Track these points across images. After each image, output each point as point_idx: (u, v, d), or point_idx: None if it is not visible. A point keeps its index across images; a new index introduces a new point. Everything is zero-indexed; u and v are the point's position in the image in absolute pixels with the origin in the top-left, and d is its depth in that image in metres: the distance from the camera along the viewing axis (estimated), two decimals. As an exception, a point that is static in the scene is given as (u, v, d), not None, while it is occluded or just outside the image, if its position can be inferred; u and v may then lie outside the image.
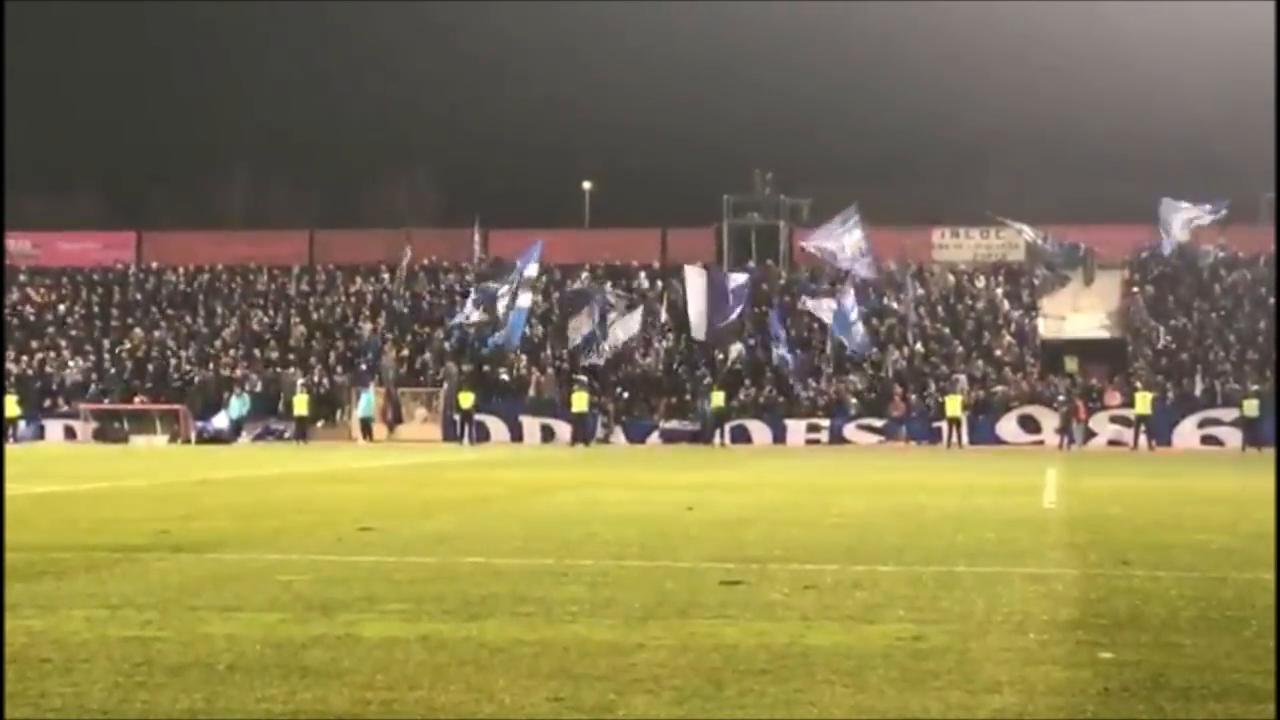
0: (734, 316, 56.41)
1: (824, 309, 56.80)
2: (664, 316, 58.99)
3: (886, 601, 10.35)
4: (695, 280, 56.99)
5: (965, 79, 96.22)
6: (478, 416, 54.31)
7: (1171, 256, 59.79)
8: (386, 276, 64.72)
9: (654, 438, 54.52)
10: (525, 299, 56.96)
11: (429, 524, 16.98)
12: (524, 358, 58.90)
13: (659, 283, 62.83)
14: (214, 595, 10.60)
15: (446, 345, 60.21)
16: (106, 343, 62.56)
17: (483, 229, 64.02)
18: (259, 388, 58.06)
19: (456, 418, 54.74)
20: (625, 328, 57.06)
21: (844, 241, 58.25)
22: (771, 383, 56.14)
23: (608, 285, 61.29)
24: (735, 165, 74.20)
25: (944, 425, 51.61)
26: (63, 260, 68.74)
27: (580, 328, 57.09)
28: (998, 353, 57.98)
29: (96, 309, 65.72)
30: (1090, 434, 52.15)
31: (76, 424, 56.66)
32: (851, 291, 56.72)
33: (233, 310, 64.94)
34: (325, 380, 58.89)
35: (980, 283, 62.52)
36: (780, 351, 56.09)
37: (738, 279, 57.97)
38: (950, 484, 26.27)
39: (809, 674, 7.64)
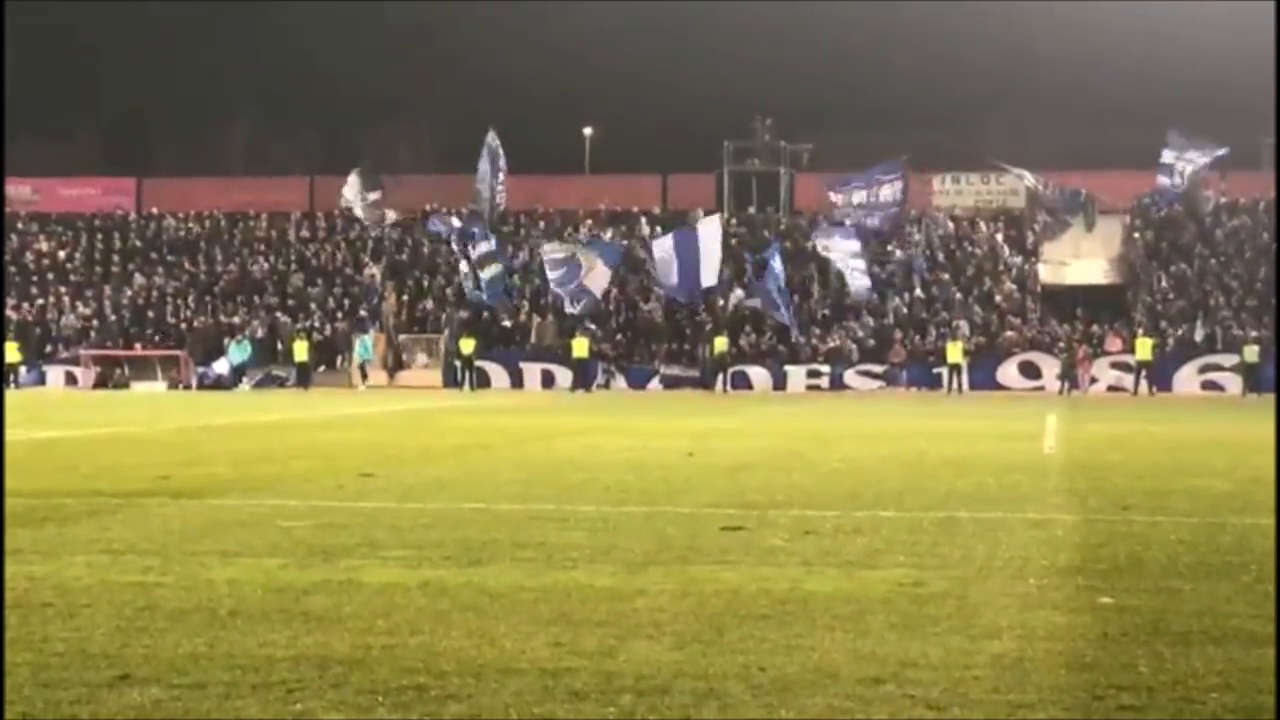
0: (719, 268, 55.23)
1: (834, 249, 55.65)
2: (656, 266, 58.70)
3: (886, 547, 10.37)
4: (708, 230, 55.69)
5: (967, 24, 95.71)
6: (478, 363, 54.31)
7: (1175, 201, 59.29)
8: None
9: (655, 384, 54.55)
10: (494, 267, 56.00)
11: (430, 470, 17.01)
12: (525, 304, 58.87)
13: (659, 229, 62.72)
14: (215, 541, 10.62)
15: (447, 291, 60.16)
16: (107, 289, 62.54)
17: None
18: (259, 334, 58.07)
19: (457, 364, 54.74)
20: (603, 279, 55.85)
21: (879, 193, 57.46)
22: (772, 329, 56.09)
23: (608, 233, 61.09)
24: (736, 111, 74.02)
25: (944, 371, 51.63)
26: (63, 206, 68.65)
27: (569, 275, 56.47)
28: (998, 299, 57.96)
29: (97, 255, 65.69)
30: (1092, 380, 52.18)
31: (77, 370, 56.69)
32: (857, 240, 56.04)
33: (233, 257, 64.89)
34: (325, 326, 58.91)
35: (981, 228, 62.45)
36: (778, 300, 55.77)
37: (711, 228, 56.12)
38: (950, 430, 26.29)
39: (809, 619, 7.65)
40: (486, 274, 54.99)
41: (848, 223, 57.18)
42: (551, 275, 54.07)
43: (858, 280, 55.35)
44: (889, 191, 57.05)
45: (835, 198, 57.90)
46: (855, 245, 55.41)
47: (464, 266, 56.19)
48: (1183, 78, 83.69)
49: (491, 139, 56.97)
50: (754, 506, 12.82)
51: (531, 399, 45.26)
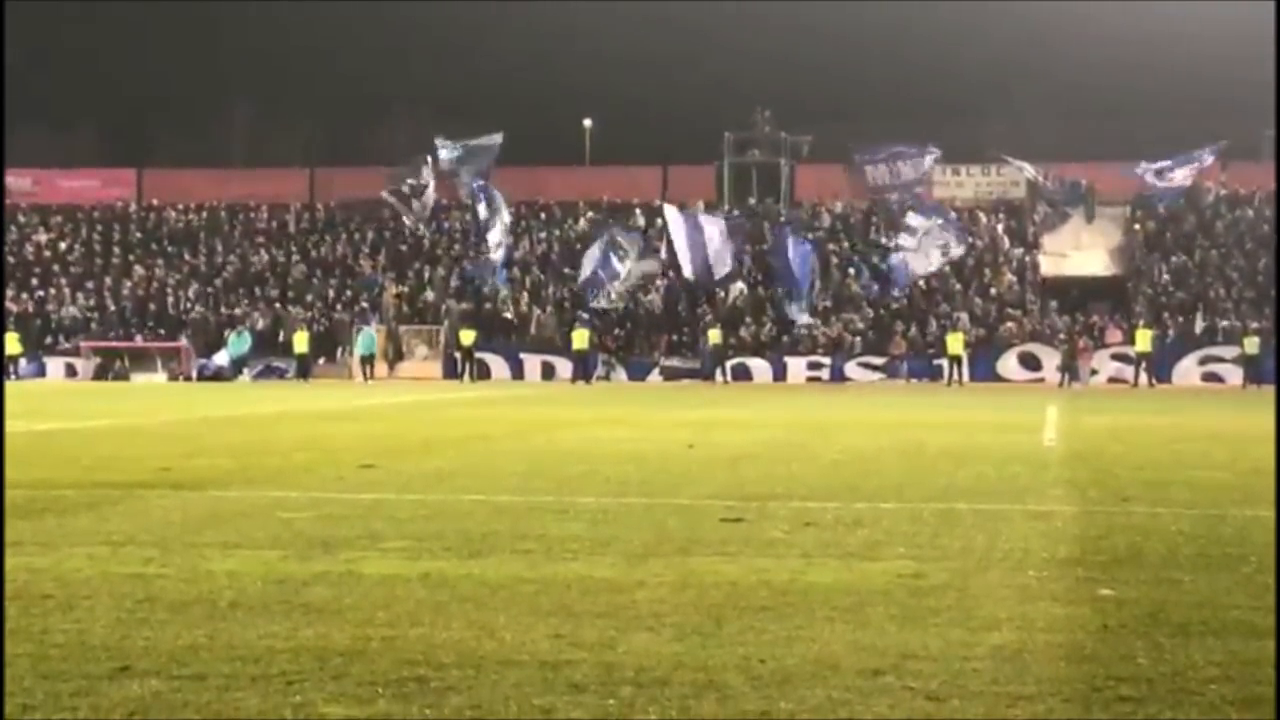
0: (729, 261, 55.27)
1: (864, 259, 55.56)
2: (664, 254, 58.74)
3: (887, 538, 10.37)
4: (676, 221, 55.53)
5: (968, 15, 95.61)
6: (478, 354, 54.32)
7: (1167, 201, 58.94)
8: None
9: (655, 375, 54.56)
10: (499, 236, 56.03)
11: (430, 461, 17.00)
12: (525, 295, 58.85)
13: (659, 220, 62.69)
14: (215, 532, 10.62)
15: (452, 282, 60.13)
16: (107, 280, 62.54)
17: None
18: (260, 326, 58.07)
19: (457, 355, 54.76)
20: (637, 269, 55.97)
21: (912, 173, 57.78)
22: (772, 320, 56.09)
23: (613, 225, 61.14)
24: (736, 102, 73.95)
25: (945, 363, 51.65)
26: (62, 198, 68.63)
27: (586, 267, 56.48)
28: (998, 291, 57.93)
29: (97, 246, 65.67)
30: (1093, 372, 52.19)
31: (77, 362, 56.72)
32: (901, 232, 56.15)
33: (233, 248, 64.88)
34: (325, 318, 58.90)
35: (982, 220, 62.42)
36: (781, 290, 55.78)
37: (719, 224, 56.15)
38: (951, 421, 26.28)
39: (809, 611, 7.65)
40: (498, 256, 55.09)
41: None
42: (622, 263, 54.07)
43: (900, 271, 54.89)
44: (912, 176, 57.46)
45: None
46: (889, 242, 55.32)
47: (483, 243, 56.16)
48: (1183, 69, 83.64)
49: (439, 146, 56.36)
50: (754, 498, 12.81)
51: (532, 390, 45.26)
